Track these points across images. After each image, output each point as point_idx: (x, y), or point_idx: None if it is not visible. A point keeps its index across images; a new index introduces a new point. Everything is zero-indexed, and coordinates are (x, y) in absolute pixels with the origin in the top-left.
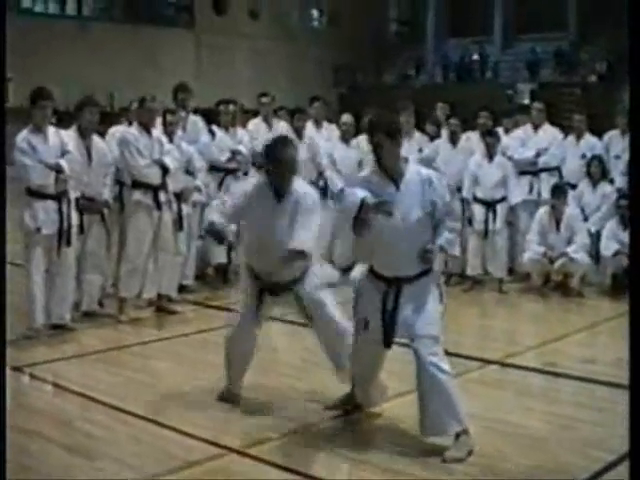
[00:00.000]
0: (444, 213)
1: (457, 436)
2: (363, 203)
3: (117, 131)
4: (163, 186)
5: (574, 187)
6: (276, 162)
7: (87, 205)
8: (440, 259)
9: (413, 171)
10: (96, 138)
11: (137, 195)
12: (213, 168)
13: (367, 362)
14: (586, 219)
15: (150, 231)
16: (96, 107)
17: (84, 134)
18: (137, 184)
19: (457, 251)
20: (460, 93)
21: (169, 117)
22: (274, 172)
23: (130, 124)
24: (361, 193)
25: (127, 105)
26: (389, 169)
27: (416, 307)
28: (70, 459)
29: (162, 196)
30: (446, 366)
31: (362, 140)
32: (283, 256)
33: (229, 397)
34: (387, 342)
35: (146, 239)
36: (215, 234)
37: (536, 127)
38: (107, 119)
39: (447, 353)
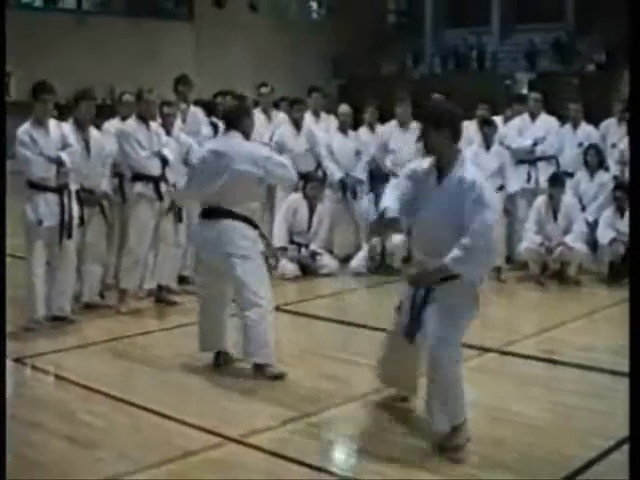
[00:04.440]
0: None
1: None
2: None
3: (111, 125)
4: (163, 177)
5: (571, 176)
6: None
7: (87, 197)
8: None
9: (463, 170)
10: (93, 130)
11: (138, 187)
12: None
13: (396, 349)
14: (583, 208)
15: (151, 223)
16: (93, 100)
17: (81, 126)
18: (138, 176)
19: (464, 269)
20: (459, 83)
21: (166, 109)
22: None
23: (123, 118)
24: (389, 201)
25: (118, 98)
26: (437, 160)
27: (441, 310)
28: (71, 449)
29: (163, 187)
30: (454, 368)
31: (363, 132)
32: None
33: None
34: (409, 335)
35: (148, 231)
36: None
37: (533, 116)
38: (107, 112)
39: None
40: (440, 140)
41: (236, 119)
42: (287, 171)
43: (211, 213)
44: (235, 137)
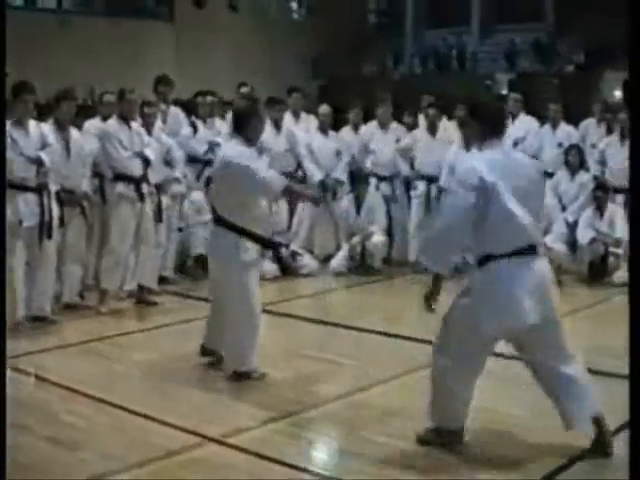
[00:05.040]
0: None
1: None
2: None
3: (92, 125)
4: (145, 178)
5: (551, 176)
6: None
7: (67, 197)
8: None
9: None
10: (73, 130)
11: (120, 187)
12: (192, 160)
13: None
14: (564, 208)
15: (133, 223)
16: (73, 100)
17: (62, 126)
18: (119, 177)
19: (425, 259)
20: (439, 84)
21: (146, 109)
22: None
23: (104, 118)
24: None
25: (99, 98)
26: None
27: None
28: (52, 450)
29: (144, 188)
30: (437, 369)
31: (346, 132)
32: None
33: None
34: None
35: (129, 231)
36: None
37: (513, 116)
38: (87, 112)
39: (424, 341)
40: (471, 132)
41: (241, 123)
42: (260, 184)
43: (214, 217)
44: (234, 142)
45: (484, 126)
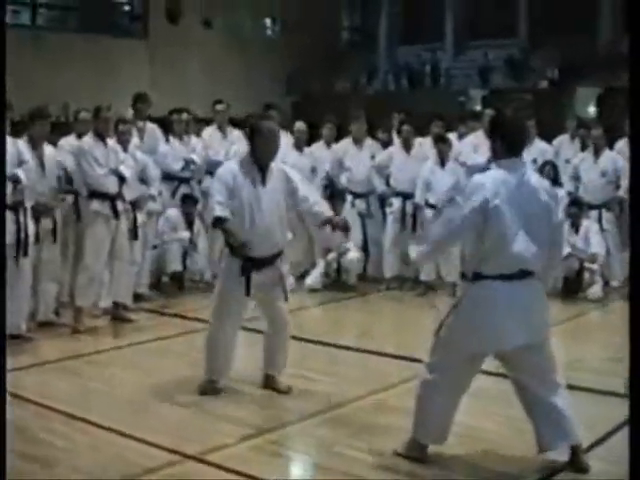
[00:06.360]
0: None
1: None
2: None
3: (67, 142)
4: (120, 195)
5: None
6: None
7: (41, 208)
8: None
9: None
10: (47, 147)
11: (95, 205)
12: (167, 177)
13: None
14: None
15: (108, 240)
16: (47, 118)
17: (35, 144)
18: (94, 194)
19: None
20: (412, 100)
21: (121, 126)
22: None
23: (79, 135)
24: None
25: (74, 115)
26: None
27: None
28: (29, 469)
29: (119, 205)
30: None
31: (318, 147)
32: None
33: None
34: None
35: (104, 248)
36: None
37: (487, 134)
38: (62, 129)
39: (400, 357)
40: (494, 150)
41: (249, 142)
42: (206, 204)
43: None
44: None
45: (501, 142)
